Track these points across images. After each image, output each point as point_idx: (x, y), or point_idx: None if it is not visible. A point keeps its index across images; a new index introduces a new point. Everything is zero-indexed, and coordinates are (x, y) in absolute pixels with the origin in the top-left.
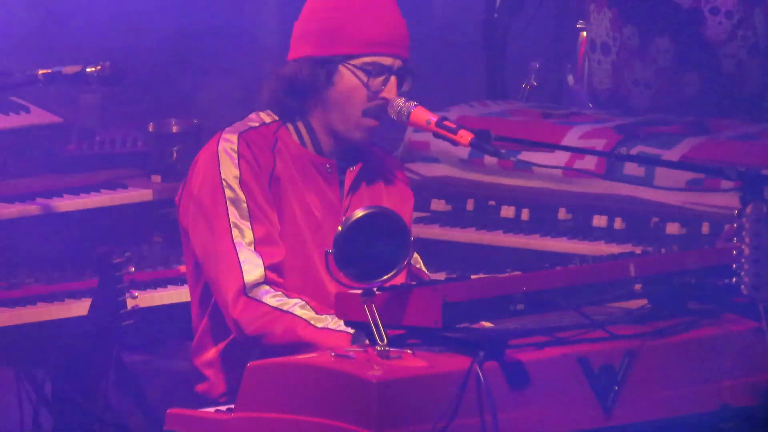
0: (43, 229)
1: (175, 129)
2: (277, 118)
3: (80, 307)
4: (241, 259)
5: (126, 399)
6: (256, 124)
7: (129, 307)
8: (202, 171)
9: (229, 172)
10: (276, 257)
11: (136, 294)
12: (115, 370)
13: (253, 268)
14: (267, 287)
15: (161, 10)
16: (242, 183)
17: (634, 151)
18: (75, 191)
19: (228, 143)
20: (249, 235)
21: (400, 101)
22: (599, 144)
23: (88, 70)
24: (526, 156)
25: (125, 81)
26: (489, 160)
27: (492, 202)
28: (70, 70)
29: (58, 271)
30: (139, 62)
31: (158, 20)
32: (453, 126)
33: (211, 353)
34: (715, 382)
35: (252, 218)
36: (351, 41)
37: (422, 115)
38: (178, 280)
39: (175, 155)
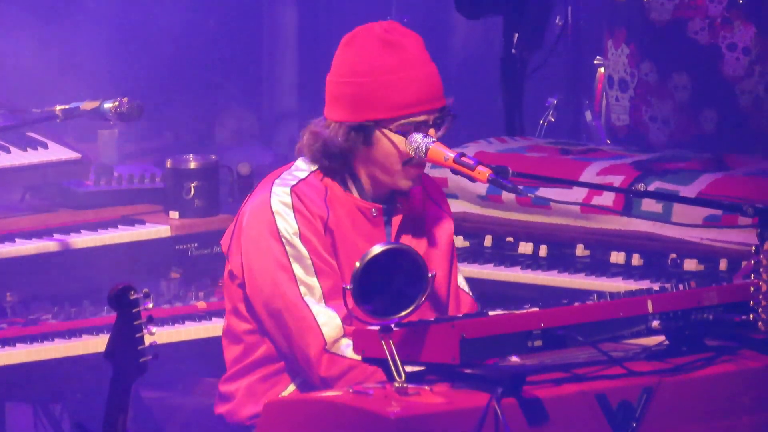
0: (60, 265)
1: (192, 165)
2: None
3: (97, 344)
4: (317, 318)
5: None
6: (305, 173)
7: (146, 343)
8: (257, 227)
9: (288, 228)
10: (345, 308)
11: (154, 330)
12: (133, 407)
13: (331, 325)
14: (347, 341)
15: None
16: (302, 238)
17: (651, 188)
18: (93, 227)
19: (280, 198)
20: (318, 292)
21: (418, 137)
22: (617, 180)
23: (106, 105)
24: (544, 192)
25: (143, 117)
26: (507, 196)
27: (510, 239)
28: (88, 105)
29: (75, 307)
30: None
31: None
32: (471, 162)
33: (242, 383)
34: (733, 418)
35: (317, 273)
36: (385, 107)
37: (440, 151)
38: (196, 317)
39: (192, 191)
